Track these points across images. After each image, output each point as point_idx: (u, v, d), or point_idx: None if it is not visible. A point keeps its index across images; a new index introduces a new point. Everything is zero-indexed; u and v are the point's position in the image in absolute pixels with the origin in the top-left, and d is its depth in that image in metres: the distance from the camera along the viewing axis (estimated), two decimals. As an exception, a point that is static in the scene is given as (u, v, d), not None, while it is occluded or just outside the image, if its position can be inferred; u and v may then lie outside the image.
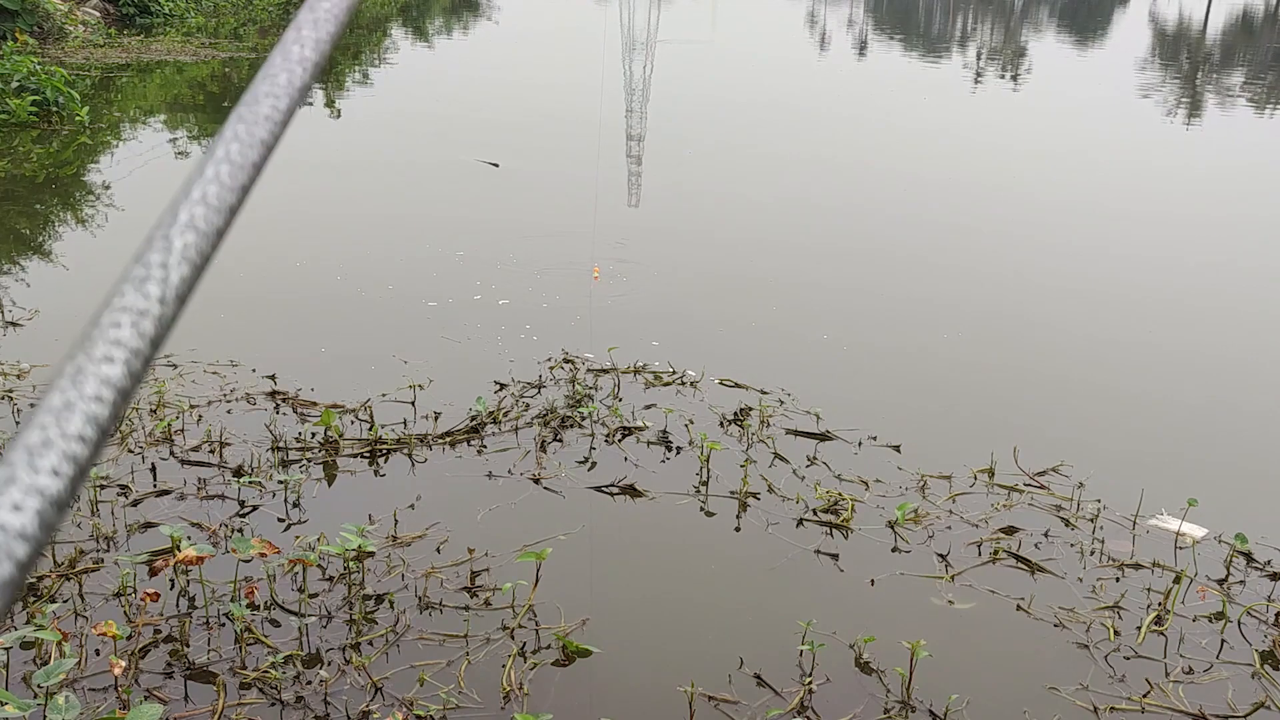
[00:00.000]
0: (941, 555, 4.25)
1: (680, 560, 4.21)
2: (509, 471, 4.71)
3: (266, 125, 0.55)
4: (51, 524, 0.39)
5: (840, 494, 4.62)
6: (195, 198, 0.51)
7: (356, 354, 5.81)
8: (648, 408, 5.32)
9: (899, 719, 3.39)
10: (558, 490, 4.59)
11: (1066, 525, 4.50)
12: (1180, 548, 4.36)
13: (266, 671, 3.41)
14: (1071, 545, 4.36)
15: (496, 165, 9.99)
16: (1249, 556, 4.29)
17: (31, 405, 5.04)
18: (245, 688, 3.37)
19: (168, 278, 0.47)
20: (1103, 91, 17.24)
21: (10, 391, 5.16)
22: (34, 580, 3.78)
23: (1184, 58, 22.94)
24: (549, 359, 5.79)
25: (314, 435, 4.87)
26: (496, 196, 9.20)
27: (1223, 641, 3.83)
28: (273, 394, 5.25)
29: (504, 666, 3.50)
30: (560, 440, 4.99)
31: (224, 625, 3.62)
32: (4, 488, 0.39)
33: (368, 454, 4.78)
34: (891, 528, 4.42)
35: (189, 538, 3.90)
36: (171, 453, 4.71)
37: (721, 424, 5.20)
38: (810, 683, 3.49)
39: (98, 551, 3.99)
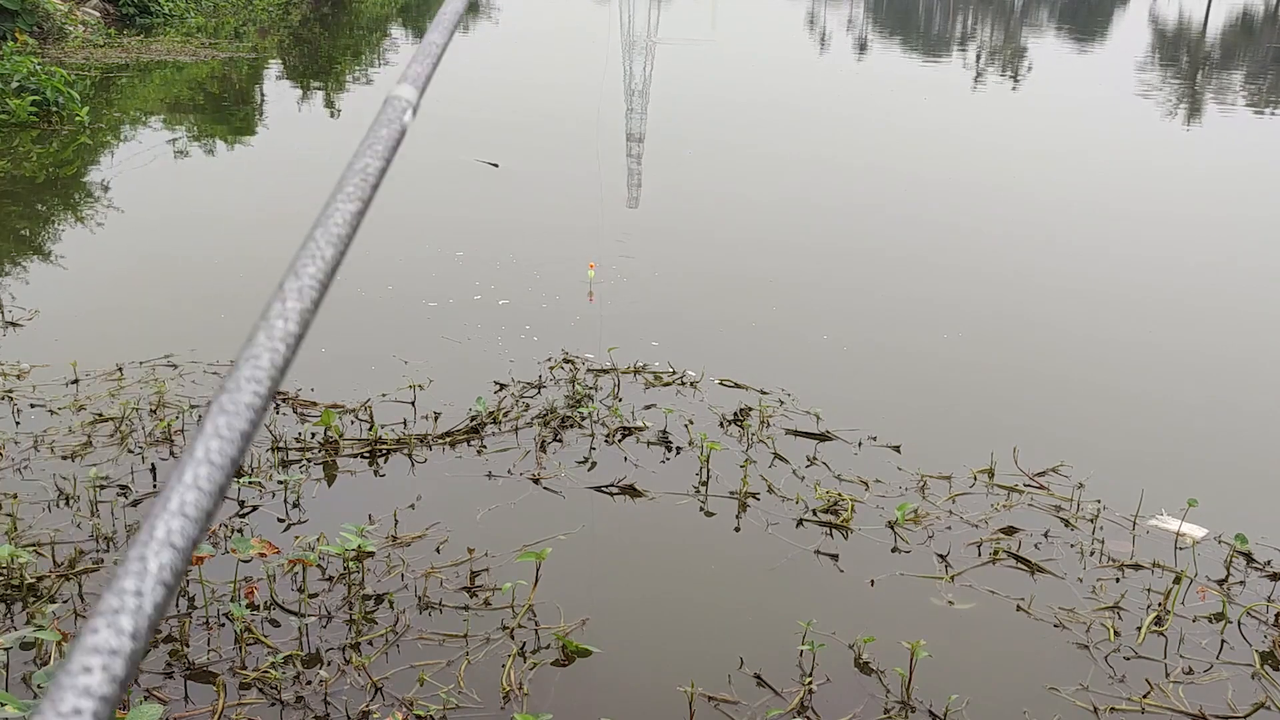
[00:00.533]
0: (941, 555, 4.25)
1: (680, 560, 4.21)
2: (509, 471, 4.71)
3: (247, 414, 0.55)
4: None
5: (840, 494, 4.62)
6: (173, 508, 0.50)
7: (356, 354, 5.81)
8: (648, 408, 5.32)
9: (899, 719, 3.39)
10: (558, 490, 4.59)
11: (1066, 525, 4.50)
12: (1180, 548, 4.36)
13: (266, 671, 3.41)
14: (1071, 545, 4.36)
15: (496, 165, 9.99)
16: (1249, 557, 4.29)
17: (32, 406, 5.04)
18: (245, 688, 3.37)
19: (141, 606, 0.46)
20: (1103, 91, 17.24)
21: (10, 392, 5.16)
22: (34, 581, 3.78)
23: (1184, 58, 22.95)
24: (549, 359, 5.79)
25: (314, 435, 4.87)
26: (496, 196, 9.20)
27: (1223, 642, 3.83)
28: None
29: (504, 666, 3.49)
30: (560, 440, 4.99)
31: (224, 625, 3.62)
32: None
33: (368, 454, 4.78)
34: (891, 528, 4.41)
35: (189, 538, 3.90)
36: (171, 453, 4.71)
37: (721, 424, 5.20)
38: (810, 683, 3.49)
39: (98, 552, 3.99)
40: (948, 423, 5.43)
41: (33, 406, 5.04)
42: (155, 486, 4.45)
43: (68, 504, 4.29)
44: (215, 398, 0.55)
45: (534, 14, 24.73)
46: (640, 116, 13.12)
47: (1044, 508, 4.62)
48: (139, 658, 0.45)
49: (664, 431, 5.10)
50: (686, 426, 5.14)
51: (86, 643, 0.44)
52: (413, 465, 4.74)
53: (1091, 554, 4.31)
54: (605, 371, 5.68)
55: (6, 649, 3.34)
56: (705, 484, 4.68)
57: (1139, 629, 3.86)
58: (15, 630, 3.42)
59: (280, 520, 4.28)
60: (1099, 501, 4.65)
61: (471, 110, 13.04)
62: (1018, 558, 4.24)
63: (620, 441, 5.00)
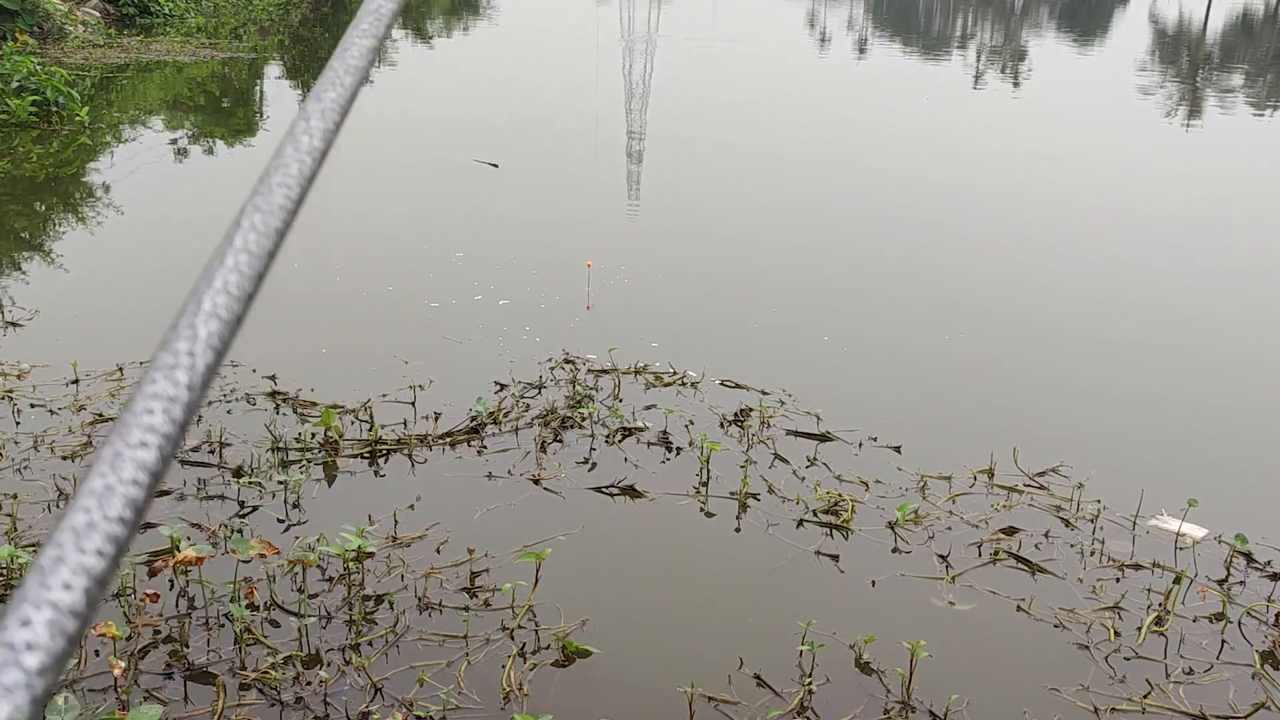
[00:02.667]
0: (942, 556, 4.25)
1: (680, 561, 4.21)
2: (509, 472, 4.71)
3: (280, 215, 0.58)
4: (96, 600, 0.42)
5: (840, 495, 4.62)
6: (218, 286, 0.54)
7: (356, 354, 5.81)
8: (648, 408, 5.32)
9: (899, 719, 3.39)
10: (557, 491, 4.59)
11: (1066, 526, 4.50)
12: (1180, 548, 4.36)
13: (266, 672, 3.40)
14: (1072, 546, 4.36)
15: (496, 165, 9.99)
16: (1249, 557, 4.29)
17: (32, 406, 5.04)
18: (245, 688, 3.36)
19: (194, 365, 0.50)
20: (1103, 92, 17.24)
21: (10, 392, 5.16)
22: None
23: (1184, 58, 22.95)
24: (549, 359, 5.79)
25: (314, 435, 4.87)
26: (496, 196, 9.19)
27: (1223, 642, 3.83)
28: (273, 394, 5.25)
29: (504, 667, 3.49)
30: (560, 441, 4.99)
31: (224, 626, 3.62)
32: (55, 568, 0.41)
33: (368, 454, 4.78)
34: (892, 528, 4.41)
35: (188, 538, 3.90)
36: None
37: (722, 425, 5.20)
38: (810, 683, 3.49)
39: (97, 552, 3.98)
40: (948, 423, 5.43)
41: (33, 406, 5.04)
42: (155, 487, 4.45)
43: (68, 504, 4.28)
44: (249, 199, 0.58)
45: (533, 13, 24.72)
46: (640, 116, 13.12)
47: (1044, 508, 4.62)
48: (195, 409, 0.49)
49: (664, 432, 5.10)
50: (687, 427, 5.13)
51: (146, 390, 0.48)
52: (413, 465, 4.74)
53: (1092, 554, 4.31)
54: (606, 372, 5.67)
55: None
56: (705, 484, 4.68)
57: (1139, 629, 3.86)
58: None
59: (280, 520, 4.27)
60: (1099, 501, 4.65)
61: (471, 110, 13.05)
62: (1018, 558, 4.24)
63: (620, 442, 5.00)
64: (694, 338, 6.27)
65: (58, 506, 4.28)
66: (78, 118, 10.56)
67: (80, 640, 0.41)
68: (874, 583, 4.08)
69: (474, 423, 5.05)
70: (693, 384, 5.59)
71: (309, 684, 3.39)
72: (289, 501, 4.40)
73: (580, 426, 5.10)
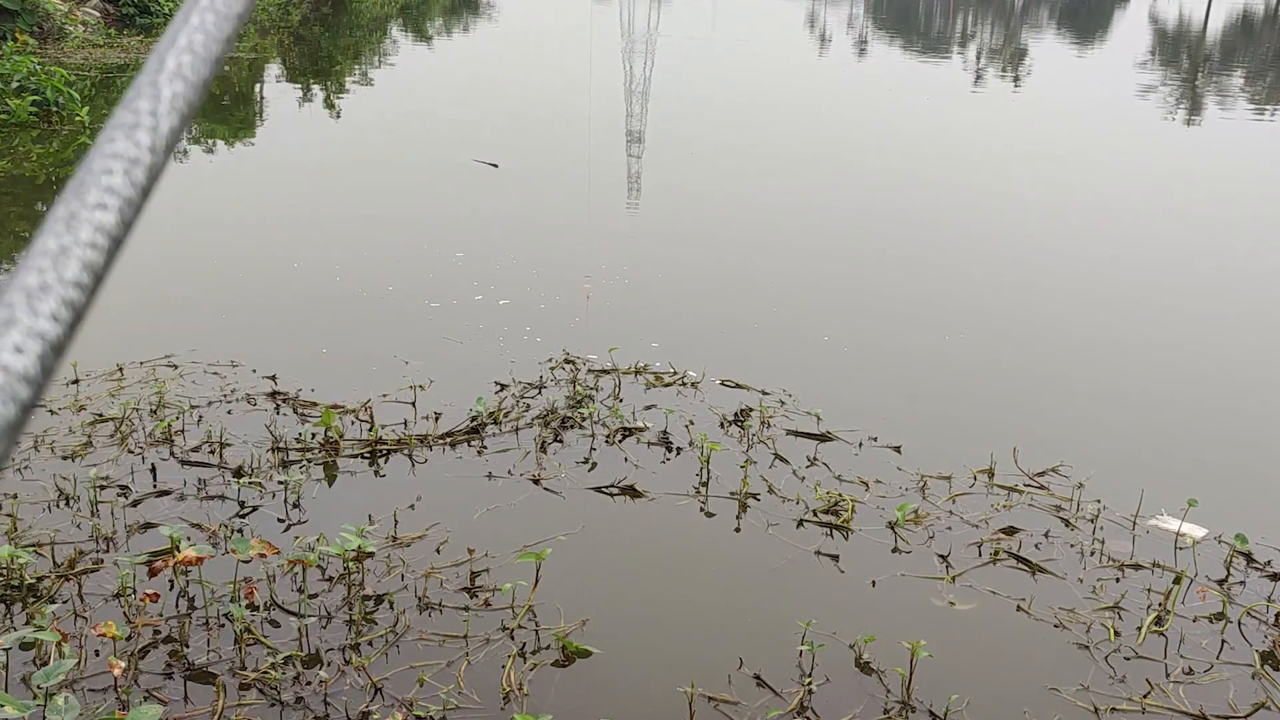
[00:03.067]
0: (942, 556, 4.25)
1: (680, 561, 4.21)
2: (509, 472, 4.71)
3: None
4: (51, 368, 0.39)
5: (840, 495, 4.62)
6: (182, 45, 0.50)
7: (356, 354, 5.81)
8: (648, 408, 5.32)
9: (899, 719, 3.39)
10: (558, 491, 4.59)
11: (1066, 526, 4.50)
12: (1180, 548, 4.36)
13: (266, 672, 3.40)
14: (1071, 546, 4.36)
15: (496, 165, 9.98)
16: (1249, 557, 4.29)
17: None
18: (245, 688, 3.36)
19: (157, 126, 0.46)
20: (1103, 92, 17.24)
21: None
22: (34, 581, 3.78)
23: (1184, 58, 22.94)
24: (550, 359, 5.79)
25: (314, 435, 4.87)
26: (496, 196, 9.19)
27: (1223, 642, 3.83)
28: (273, 394, 5.25)
29: (504, 667, 3.49)
30: (560, 441, 4.99)
31: (224, 626, 3.62)
32: (5, 330, 0.39)
33: (368, 454, 4.78)
34: (892, 528, 4.41)
35: (188, 538, 3.90)
36: (171, 453, 4.71)
37: (722, 425, 5.20)
38: (810, 683, 3.49)
39: (97, 552, 3.99)
40: (948, 423, 5.43)
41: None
42: (155, 486, 4.45)
43: (68, 504, 4.28)
44: None
45: (533, 13, 24.71)
46: (640, 116, 13.12)
47: (1044, 508, 4.62)
48: (157, 173, 0.45)
49: (664, 432, 5.10)
50: (687, 427, 5.13)
51: (105, 150, 0.44)
52: (413, 465, 4.74)
53: (1091, 554, 4.31)
54: (606, 372, 5.67)
55: (6, 649, 3.34)
56: (705, 484, 4.68)
57: (1139, 629, 3.86)
58: (15, 630, 3.42)
59: (280, 520, 4.27)
60: (1099, 501, 4.65)
61: (471, 110, 13.05)
62: (1018, 558, 4.24)
63: (621, 442, 5.00)
64: (694, 338, 6.27)
65: (58, 506, 4.28)
66: (78, 118, 10.56)
67: (34, 408, 0.38)
68: (874, 583, 4.08)
69: (474, 423, 5.05)
70: (693, 384, 5.59)
71: (309, 684, 3.39)
72: (289, 501, 4.40)
73: (580, 426, 5.10)
